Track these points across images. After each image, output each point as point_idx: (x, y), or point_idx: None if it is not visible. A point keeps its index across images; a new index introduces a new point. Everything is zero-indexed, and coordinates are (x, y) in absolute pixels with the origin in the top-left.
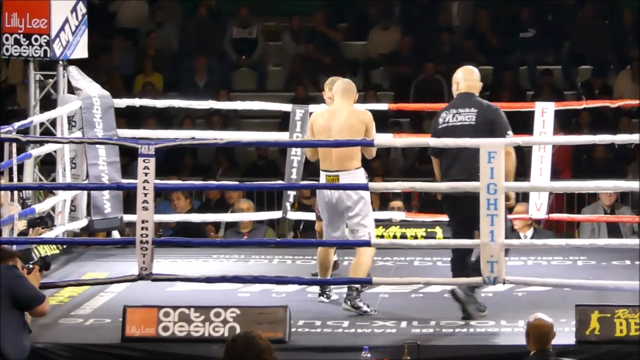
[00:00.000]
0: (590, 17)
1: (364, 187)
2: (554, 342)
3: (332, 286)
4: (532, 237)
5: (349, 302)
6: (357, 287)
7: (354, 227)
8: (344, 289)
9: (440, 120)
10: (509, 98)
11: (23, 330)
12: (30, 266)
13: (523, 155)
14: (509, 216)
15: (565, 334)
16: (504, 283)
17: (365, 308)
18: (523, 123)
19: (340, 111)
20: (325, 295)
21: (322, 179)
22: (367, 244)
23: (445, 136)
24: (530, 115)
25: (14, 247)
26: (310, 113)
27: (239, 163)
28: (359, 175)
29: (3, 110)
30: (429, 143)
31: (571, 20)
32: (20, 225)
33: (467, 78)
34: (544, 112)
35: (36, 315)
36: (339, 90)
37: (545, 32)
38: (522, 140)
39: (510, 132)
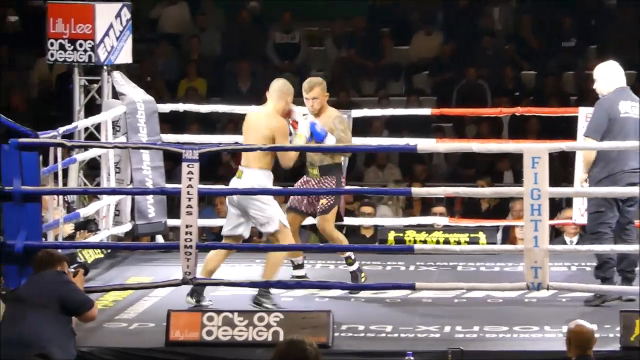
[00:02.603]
0: (633, 21)
1: (408, 192)
2: (598, 347)
3: None
4: (577, 243)
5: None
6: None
7: (259, 222)
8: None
9: (621, 109)
10: (553, 103)
11: (70, 335)
12: (73, 270)
13: (568, 160)
14: (553, 222)
15: (609, 340)
16: (547, 289)
17: (267, 305)
18: (567, 128)
19: (260, 112)
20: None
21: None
22: (410, 249)
23: (627, 126)
24: (574, 121)
25: (60, 251)
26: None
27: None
28: (262, 177)
29: (48, 115)
30: (472, 148)
31: (613, 24)
32: (68, 229)
33: (620, 73)
34: (588, 117)
35: (85, 320)
36: (271, 90)
37: (587, 38)
38: (566, 145)
39: None
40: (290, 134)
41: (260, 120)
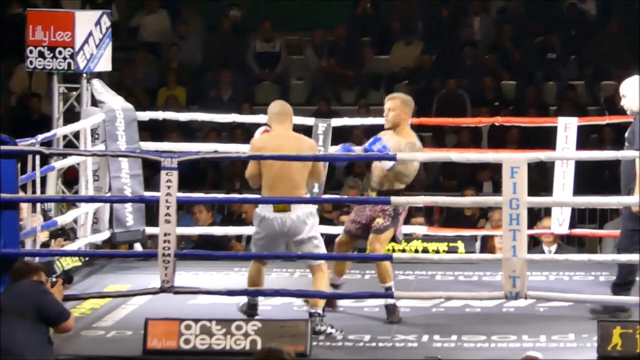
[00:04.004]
0: (615, 33)
1: (387, 202)
2: (577, 356)
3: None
4: (556, 252)
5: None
6: (318, 311)
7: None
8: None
9: None
10: (532, 113)
11: (48, 344)
12: (54, 279)
13: (546, 171)
14: (531, 232)
15: (587, 350)
16: (526, 298)
17: (329, 330)
18: (546, 138)
19: (289, 136)
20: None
21: (270, 211)
22: (389, 258)
23: None
24: (553, 131)
25: (37, 259)
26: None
27: None
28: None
29: (28, 120)
30: (451, 157)
31: (595, 35)
32: (43, 236)
33: None
34: (567, 127)
35: (61, 332)
36: (282, 114)
37: (569, 49)
38: (545, 155)
39: None
40: None
41: (295, 144)
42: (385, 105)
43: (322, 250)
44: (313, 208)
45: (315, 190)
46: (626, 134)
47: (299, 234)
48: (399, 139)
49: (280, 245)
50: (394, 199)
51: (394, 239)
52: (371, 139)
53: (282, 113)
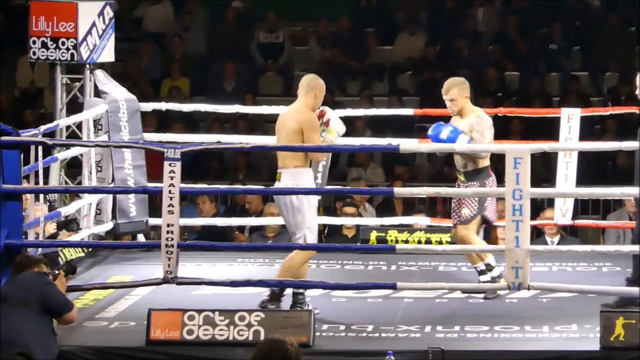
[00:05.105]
0: (618, 24)
1: (390, 193)
2: (578, 347)
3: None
4: (558, 243)
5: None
6: (300, 291)
7: (292, 229)
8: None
9: None
10: (536, 104)
11: (52, 335)
12: (56, 272)
13: (549, 162)
14: (534, 222)
15: (590, 340)
16: (528, 289)
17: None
18: (549, 129)
19: (290, 109)
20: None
21: None
22: (392, 249)
23: None
24: (556, 122)
25: (39, 250)
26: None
27: (263, 167)
28: (299, 174)
29: (30, 114)
30: (455, 148)
31: (599, 27)
32: (51, 227)
33: None
34: (570, 118)
35: (64, 323)
36: (300, 86)
37: (573, 40)
38: (548, 146)
39: None
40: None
41: (288, 116)
42: (445, 97)
43: (309, 232)
44: (304, 181)
45: (319, 181)
46: None
47: (280, 200)
48: (466, 119)
49: (284, 215)
50: (397, 190)
51: (486, 221)
52: (434, 125)
53: (300, 85)
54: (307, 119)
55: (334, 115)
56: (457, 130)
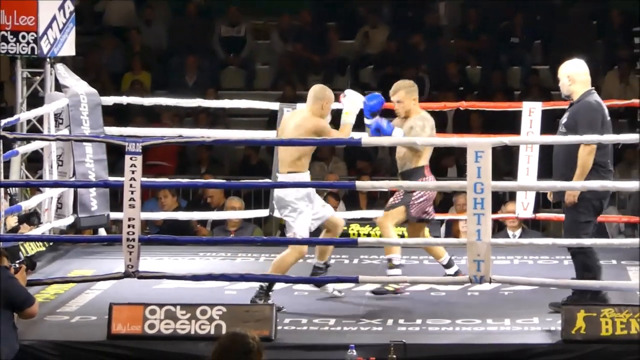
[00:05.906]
0: (579, 18)
1: (352, 186)
2: (540, 341)
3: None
4: (520, 237)
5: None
6: (265, 285)
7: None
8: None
9: (606, 112)
10: (498, 98)
11: (12, 329)
12: (17, 265)
13: (511, 155)
14: (496, 216)
15: (551, 334)
16: (490, 282)
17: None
18: (511, 123)
19: (296, 115)
20: None
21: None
22: (354, 242)
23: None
24: (518, 115)
25: (0, 243)
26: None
27: (225, 161)
28: (294, 179)
29: None
30: (416, 142)
31: (560, 20)
32: (12, 221)
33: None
34: (532, 111)
35: (25, 317)
36: (308, 96)
37: (534, 34)
38: (509, 140)
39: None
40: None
41: (291, 118)
42: (392, 99)
43: (296, 226)
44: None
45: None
46: (564, 120)
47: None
48: (409, 120)
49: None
50: (358, 184)
51: (426, 214)
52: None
53: (309, 95)
54: (316, 125)
55: (348, 96)
56: (391, 125)
